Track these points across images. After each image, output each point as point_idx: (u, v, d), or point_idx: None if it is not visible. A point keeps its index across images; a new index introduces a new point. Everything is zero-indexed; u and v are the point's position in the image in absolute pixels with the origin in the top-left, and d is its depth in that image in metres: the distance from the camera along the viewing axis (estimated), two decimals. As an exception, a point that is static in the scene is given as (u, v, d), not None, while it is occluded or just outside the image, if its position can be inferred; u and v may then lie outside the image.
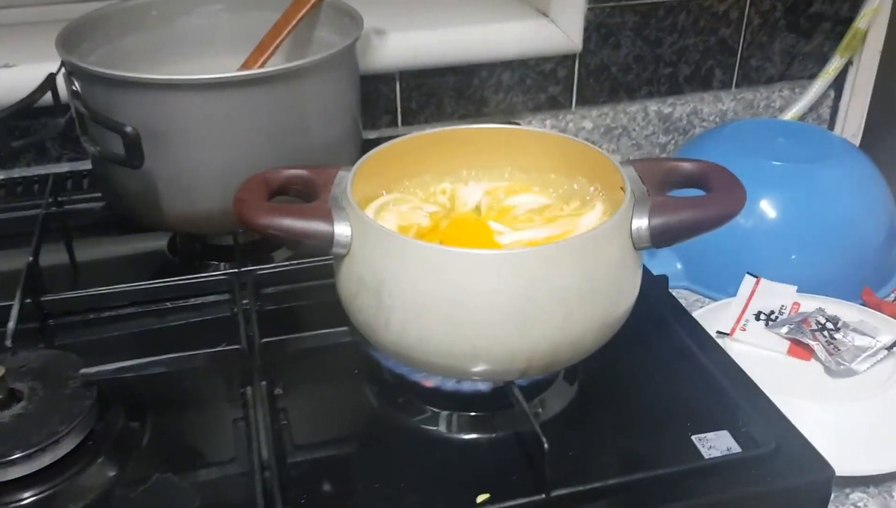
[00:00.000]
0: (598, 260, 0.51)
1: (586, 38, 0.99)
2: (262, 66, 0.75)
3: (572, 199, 0.62)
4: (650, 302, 0.62)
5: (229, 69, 0.75)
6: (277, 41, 0.75)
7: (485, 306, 0.49)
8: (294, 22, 0.75)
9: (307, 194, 0.57)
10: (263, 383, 0.58)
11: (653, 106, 1.05)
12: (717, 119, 1.07)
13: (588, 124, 1.03)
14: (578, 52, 1.00)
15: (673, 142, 1.08)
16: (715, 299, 0.80)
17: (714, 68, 1.06)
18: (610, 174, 0.58)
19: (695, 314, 0.70)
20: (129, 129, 0.60)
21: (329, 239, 0.53)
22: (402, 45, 0.94)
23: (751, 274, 0.78)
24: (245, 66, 0.75)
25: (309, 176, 0.58)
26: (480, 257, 0.50)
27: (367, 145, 0.94)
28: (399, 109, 0.98)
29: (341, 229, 0.53)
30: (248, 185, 0.56)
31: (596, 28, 0.99)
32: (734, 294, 0.77)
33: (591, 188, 0.62)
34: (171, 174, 0.66)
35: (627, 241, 0.53)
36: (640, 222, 0.53)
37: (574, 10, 0.97)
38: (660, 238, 0.53)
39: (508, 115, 1.02)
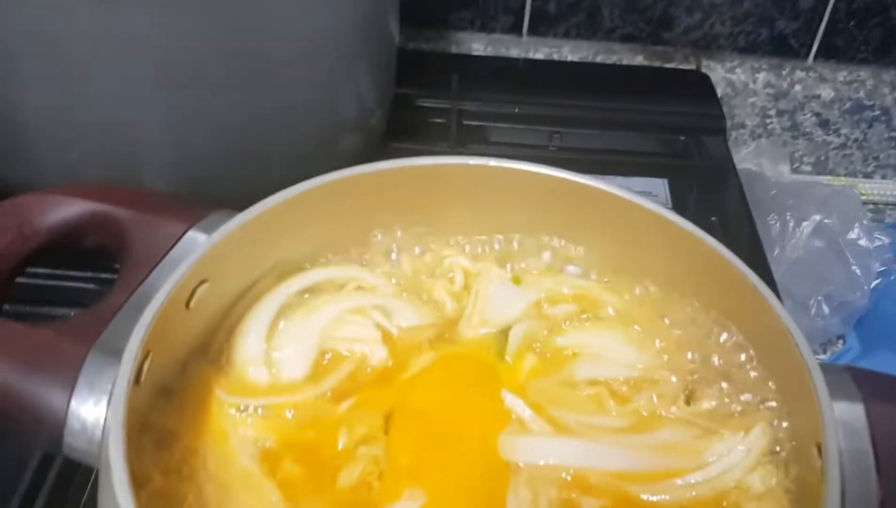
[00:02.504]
0: None
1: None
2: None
3: (706, 377, 0.28)
4: None
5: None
6: None
7: None
8: None
9: (120, 251, 0.26)
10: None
11: (947, 82, 0.64)
12: None
13: (826, 92, 0.64)
14: (844, -28, 0.59)
15: (962, 147, 0.66)
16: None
17: None
18: (799, 371, 0.24)
19: None
20: None
21: (54, 426, 0.22)
22: None
23: None
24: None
25: (122, 219, 0.26)
26: None
27: (466, 62, 0.64)
28: (528, 10, 0.63)
29: (87, 413, 0.22)
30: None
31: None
32: None
33: (752, 372, 0.27)
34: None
35: None
36: None
37: None
38: None
39: (701, 50, 0.64)
